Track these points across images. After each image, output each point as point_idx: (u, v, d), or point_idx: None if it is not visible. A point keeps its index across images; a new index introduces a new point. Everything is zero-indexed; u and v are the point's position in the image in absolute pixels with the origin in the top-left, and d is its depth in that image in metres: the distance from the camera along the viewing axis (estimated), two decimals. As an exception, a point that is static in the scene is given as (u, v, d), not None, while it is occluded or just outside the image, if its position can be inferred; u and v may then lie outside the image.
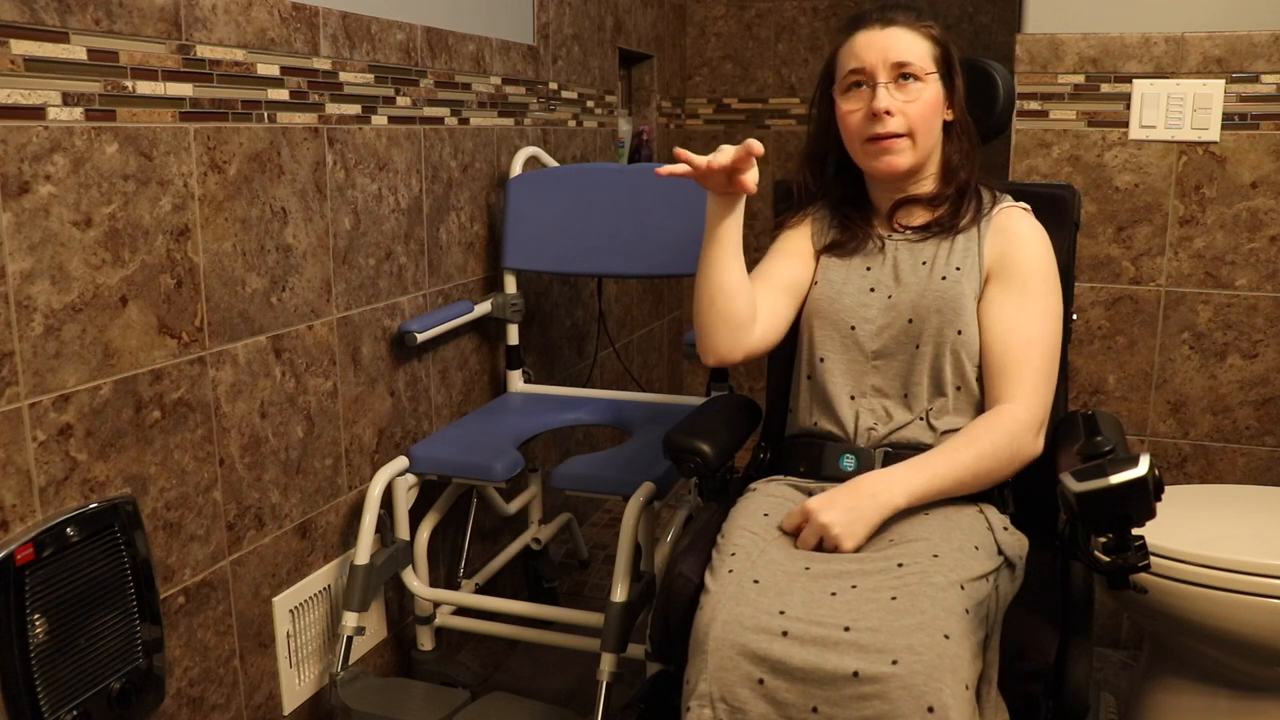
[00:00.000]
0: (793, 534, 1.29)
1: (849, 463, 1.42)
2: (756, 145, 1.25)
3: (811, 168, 1.57)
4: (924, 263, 1.44)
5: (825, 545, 1.25)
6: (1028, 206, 1.48)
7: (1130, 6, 2.01)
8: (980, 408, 1.41)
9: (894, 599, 1.14)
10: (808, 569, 1.23)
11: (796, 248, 1.54)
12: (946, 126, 1.47)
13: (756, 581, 1.20)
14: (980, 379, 1.41)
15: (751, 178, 1.30)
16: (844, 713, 1.08)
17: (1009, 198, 1.48)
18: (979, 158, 1.48)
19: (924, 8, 3.29)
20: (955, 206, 1.45)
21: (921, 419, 1.41)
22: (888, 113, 1.39)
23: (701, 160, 1.28)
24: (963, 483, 1.32)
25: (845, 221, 1.52)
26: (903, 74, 1.40)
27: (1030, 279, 1.40)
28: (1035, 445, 1.36)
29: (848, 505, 1.26)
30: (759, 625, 1.15)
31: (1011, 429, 1.34)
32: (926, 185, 1.48)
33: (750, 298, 1.42)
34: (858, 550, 1.26)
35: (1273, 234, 2.02)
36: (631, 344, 3.20)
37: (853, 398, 1.45)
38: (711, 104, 3.63)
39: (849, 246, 1.50)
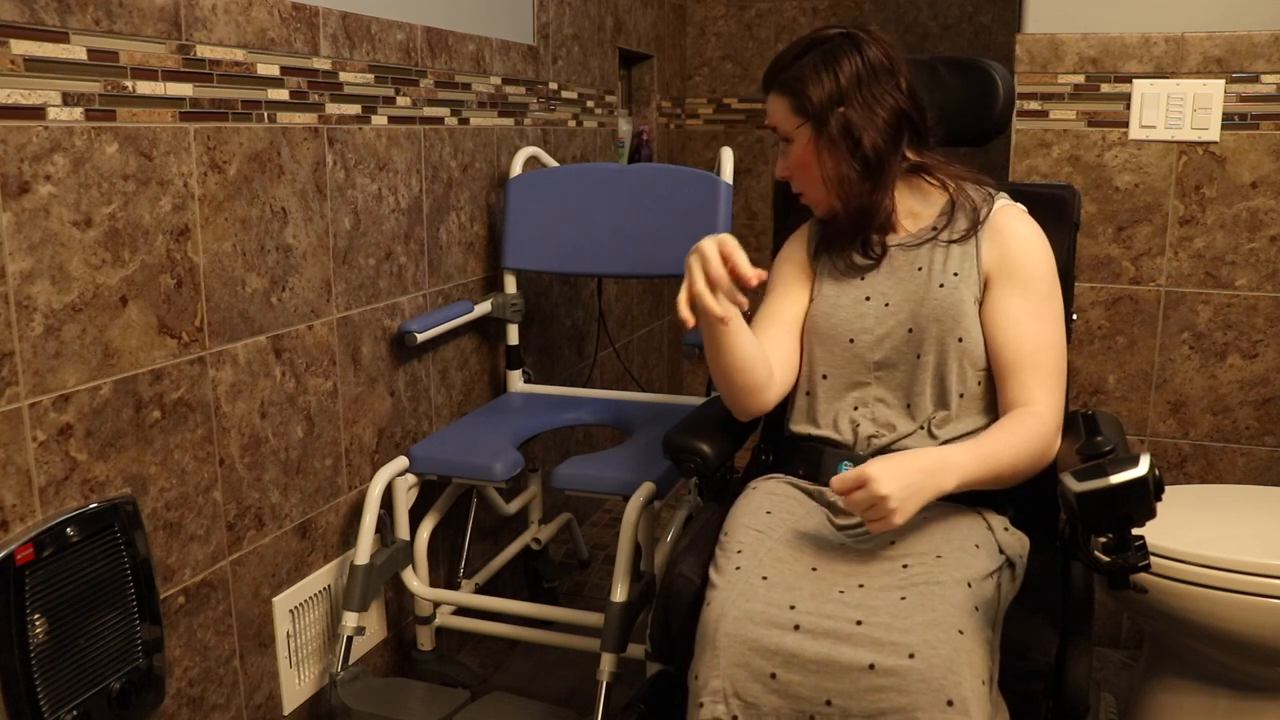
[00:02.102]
0: (839, 496, 1.24)
1: (847, 469, 1.41)
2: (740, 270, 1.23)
3: None
4: (920, 269, 1.44)
5: (871, 515, 1.20)
6: (1023, 207, 1.47)
7: (1130, 6, 2.01)
8: (984, 413, 1.41)
9: (903, 598, 1.15)
10: (814, 569, 1.23)
11: (794, 274, 1.54)
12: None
13: (765, 578, 1.21)
14: (982, 384, 1.41)
15: (745, 270, 1.24)
16: (859, 705, 1.09)
17: (1005, 196, 1.47)
18: (880, 188, 1.41)
19: (923, 7, 3.30)
20: (947, 217, 1.44)
21: (923, 428, 1.41)
22: (784, 177, 1.48)
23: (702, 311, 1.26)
24: (1000, 476, 1.30)
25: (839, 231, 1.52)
26: (782, 138, 1.46)
27: (1034, 282, 1.39)
28: (1056, 448, 1.36)
29: (906, 481, 1.19)
30: (770, 620, 1.15)
31: (1040, 431, 1.33)
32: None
33: (765, 357, 1.42)
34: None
35: (1273, 234, 2.02)
36: (631, 344, 3.20)
37: (855, 408, 1.45)
38: (711, 104, 3.64)
39: (843, 248, 1.50)
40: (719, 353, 1.37)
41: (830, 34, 1.42)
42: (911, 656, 1.07)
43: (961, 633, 1.10)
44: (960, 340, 1.39)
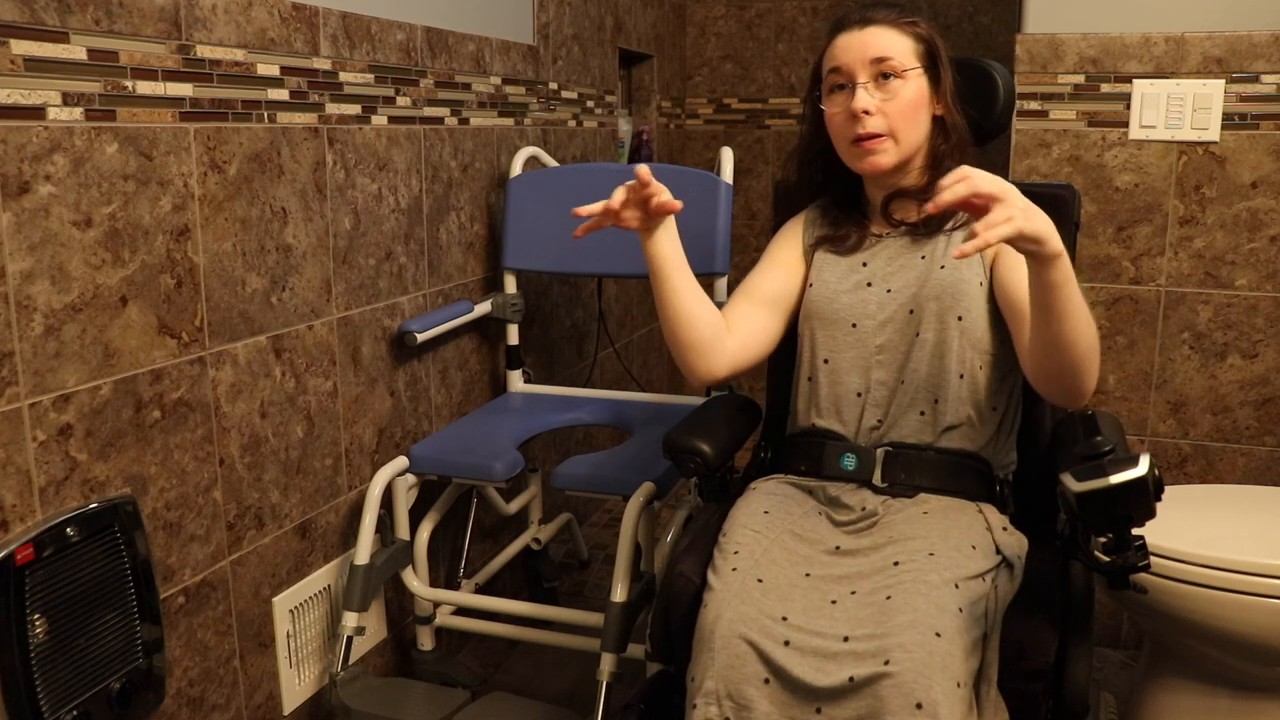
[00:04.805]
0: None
1: (850, 461, 1.42)
2: (643, 171, 1.27)
3: (803, 168, 1.57)
4: (923, 257, 1.44)
5: (1000, 211, 1.05)
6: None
7: (1130, 6, 2.01)
8: (988, 397, 1.40)
9: (889, 598, 1.16)
10: (808, 575, 1.24)
11: (783, 258, 1.54)
12: (937, 120, 1.45)
13: (760, 581, 1.21)
14: (984, 368, 1.40)
15: (665, 198, 1.29)
16: (843, 713, 1.11)
17: None
18: (971, 152, 1.45)
19: (923, 7, 3.30)
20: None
21: (923, 414, 1.41)
22: (866, 113, 1.39)
23: (598, 205, 1.31)
24: (1076, 318, 1.17)
25: (839, 220, 1.52)
26: (881, 72, 1.39)
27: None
28: (1096, 367, 1.24)
29: (1025, 202, 1.09)
30: (763, 628, 1.17)
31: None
32: (914, 178, 1.46)
33: (711, 318, 1.41)
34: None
35: (1273, 234, 2.02)
36: (631, 344, 3.20)
37: (859, 394, 1.45)
38: (711, 104, 3.63)
39: (844, 244, 1.49)
40: (662, 299, 1.39)
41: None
42: (887, 663, 1.09)
43: (939, 635, 1.10)
44: (960, 319, 1.39)
